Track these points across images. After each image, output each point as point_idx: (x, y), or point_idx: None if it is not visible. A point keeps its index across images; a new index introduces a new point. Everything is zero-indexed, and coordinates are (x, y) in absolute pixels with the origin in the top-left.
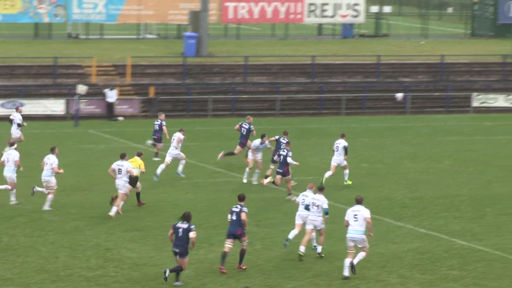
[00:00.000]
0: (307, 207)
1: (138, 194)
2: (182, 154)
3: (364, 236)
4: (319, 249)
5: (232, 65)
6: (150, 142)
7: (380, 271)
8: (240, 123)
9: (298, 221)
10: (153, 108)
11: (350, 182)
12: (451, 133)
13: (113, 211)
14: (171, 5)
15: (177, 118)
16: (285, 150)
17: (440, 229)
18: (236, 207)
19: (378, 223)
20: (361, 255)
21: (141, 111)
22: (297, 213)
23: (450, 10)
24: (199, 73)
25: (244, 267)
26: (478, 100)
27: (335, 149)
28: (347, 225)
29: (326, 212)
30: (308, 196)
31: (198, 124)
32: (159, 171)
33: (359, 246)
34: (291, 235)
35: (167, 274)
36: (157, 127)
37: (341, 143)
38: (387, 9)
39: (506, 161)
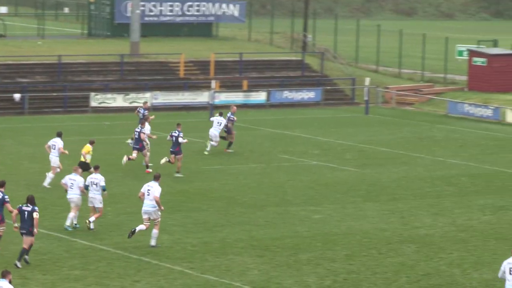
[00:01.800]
0: (86, 187)
1: None
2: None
3: (156, 209)
4: (92, 218)
5: None
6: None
7: None
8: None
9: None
10: None
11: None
12: (70, 133)
13: None
14: None
15: None
16: (176, 131)
17: (61, 229)
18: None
19: None
20: (155, 233)
21: None
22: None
23: (66, 10)
24: None
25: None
26: (97, 100)
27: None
28: (142, 195)
29: (103, 189)
30: (76, 180)
31: None
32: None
33: (152, 218)
34: (68, 221)
35: (19, 266)
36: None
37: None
38: (3, 9)
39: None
